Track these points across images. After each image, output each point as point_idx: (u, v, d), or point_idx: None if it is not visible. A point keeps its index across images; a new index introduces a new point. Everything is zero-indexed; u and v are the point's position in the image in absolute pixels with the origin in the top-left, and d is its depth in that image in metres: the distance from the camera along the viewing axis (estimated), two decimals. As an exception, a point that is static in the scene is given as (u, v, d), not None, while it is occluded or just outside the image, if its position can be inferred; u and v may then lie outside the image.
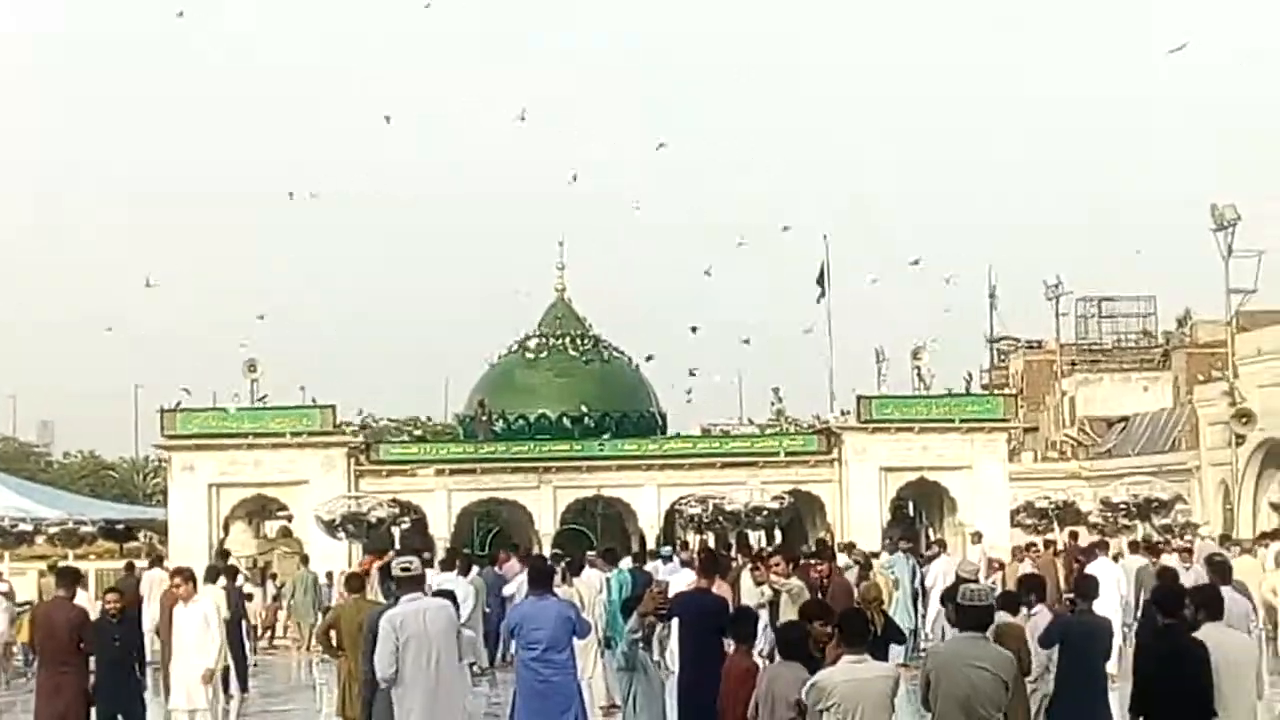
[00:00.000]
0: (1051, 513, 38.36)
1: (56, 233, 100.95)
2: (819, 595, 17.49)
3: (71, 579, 16.16)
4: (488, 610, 24.66)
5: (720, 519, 37.03)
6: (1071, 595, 16.11)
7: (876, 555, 27.67)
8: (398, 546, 31.87)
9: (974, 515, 37.96)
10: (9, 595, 26.68)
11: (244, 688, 22.51)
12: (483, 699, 20.76)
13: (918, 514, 43.12)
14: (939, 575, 25.56)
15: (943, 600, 15.04)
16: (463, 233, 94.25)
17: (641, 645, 13.28)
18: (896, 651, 17.97)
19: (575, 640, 13.80)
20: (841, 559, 24.94)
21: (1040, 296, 63.65)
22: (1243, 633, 12.29)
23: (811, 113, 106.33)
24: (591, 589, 21.58)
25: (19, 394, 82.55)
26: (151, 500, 63.32)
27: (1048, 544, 33.25)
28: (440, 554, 30.26)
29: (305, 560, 34.06)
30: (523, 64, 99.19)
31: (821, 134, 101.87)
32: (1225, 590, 12.59)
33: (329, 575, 31.35)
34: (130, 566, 30.18)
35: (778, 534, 38.06)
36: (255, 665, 26.09)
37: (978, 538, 33.13)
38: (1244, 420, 46.14)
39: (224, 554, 29.47)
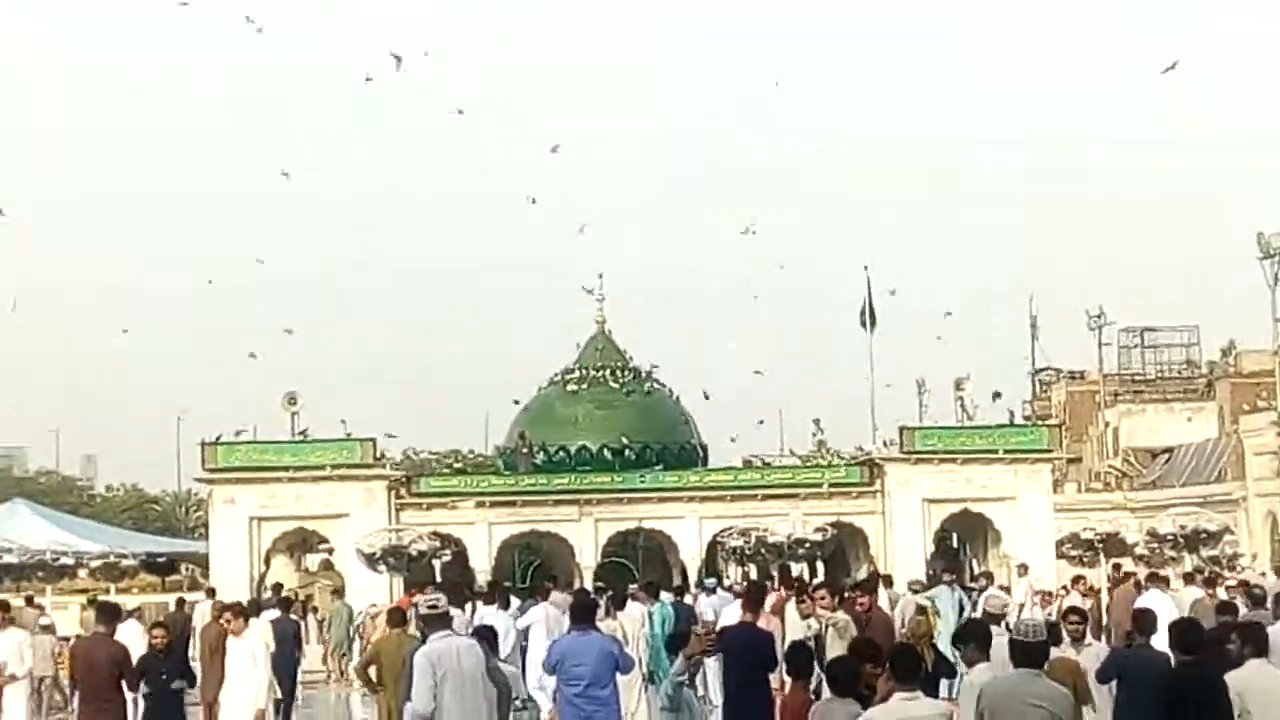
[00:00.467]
0: (1096, 544, 37.91)
1: (98, 264, 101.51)
2: (861, 628, 17.29)
3: (112, 614, 16.16)
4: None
5: (762, 551, 36.86)
6: (1128, 629, 15.78)
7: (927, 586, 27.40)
8: (438, 580, 31.75)
9: (1018, 547, 37.72)
10: (50, 629, 26.64)
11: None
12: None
13: (961, 546, 42.78)
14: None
15: (954, 641, 12.55)
16: (503, 266, 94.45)
17: (686, 684, 13.10)
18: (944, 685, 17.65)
19: (619, 676, 13.62)
20: (883, 593, 24.66)
21: (1083, 327, 63.43)
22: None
23: (854, 148, 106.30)
24: (635, 623, 21.41)
25: (62, 428, 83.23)
26: (194, 534, 63.29)
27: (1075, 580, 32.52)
28: (481, 586, 30.17)
29: (339, 593, 33.97)
30: (553, 98, 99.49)
31: (864, 168, 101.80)
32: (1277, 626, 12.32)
33: (374, 607, 31.23)
34: (181, 602, 30.30)
35: (820, 566, 37.78)
36: (299, 702, 25.92)
37: (1024, 570, 32.76)
38: (1292, 450, 45.69)
39: (277, 587, 30.39)
